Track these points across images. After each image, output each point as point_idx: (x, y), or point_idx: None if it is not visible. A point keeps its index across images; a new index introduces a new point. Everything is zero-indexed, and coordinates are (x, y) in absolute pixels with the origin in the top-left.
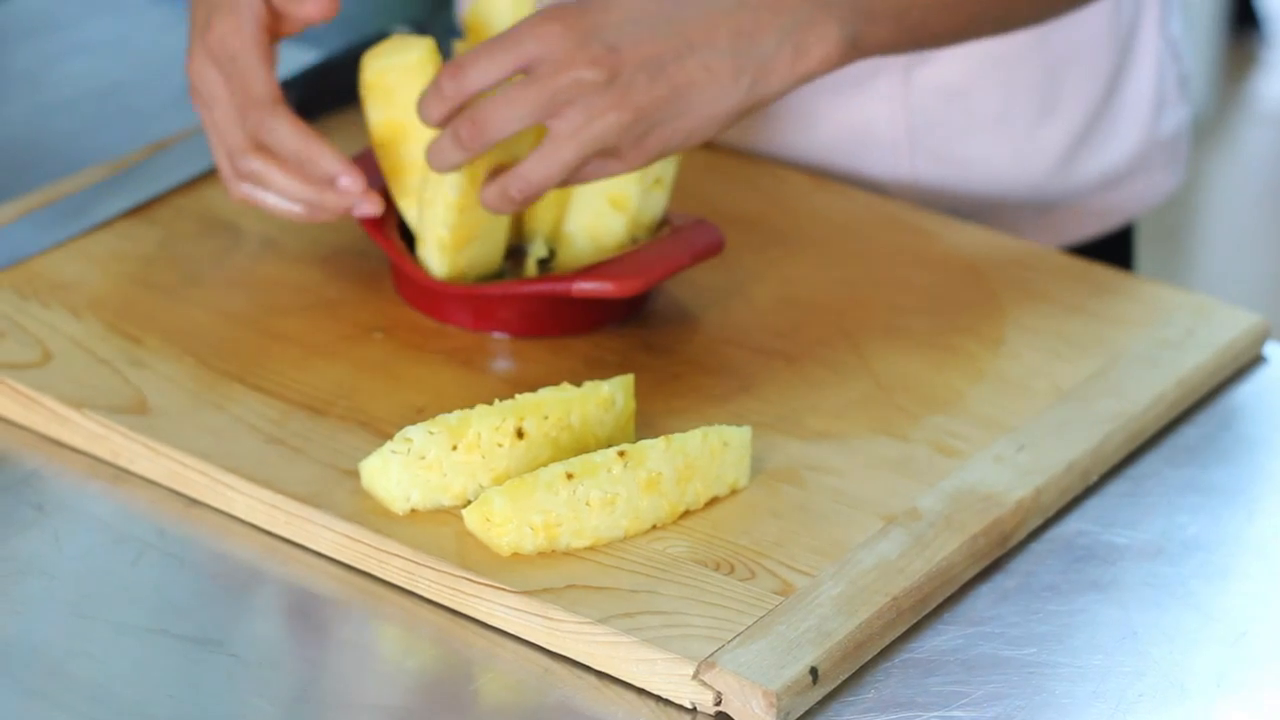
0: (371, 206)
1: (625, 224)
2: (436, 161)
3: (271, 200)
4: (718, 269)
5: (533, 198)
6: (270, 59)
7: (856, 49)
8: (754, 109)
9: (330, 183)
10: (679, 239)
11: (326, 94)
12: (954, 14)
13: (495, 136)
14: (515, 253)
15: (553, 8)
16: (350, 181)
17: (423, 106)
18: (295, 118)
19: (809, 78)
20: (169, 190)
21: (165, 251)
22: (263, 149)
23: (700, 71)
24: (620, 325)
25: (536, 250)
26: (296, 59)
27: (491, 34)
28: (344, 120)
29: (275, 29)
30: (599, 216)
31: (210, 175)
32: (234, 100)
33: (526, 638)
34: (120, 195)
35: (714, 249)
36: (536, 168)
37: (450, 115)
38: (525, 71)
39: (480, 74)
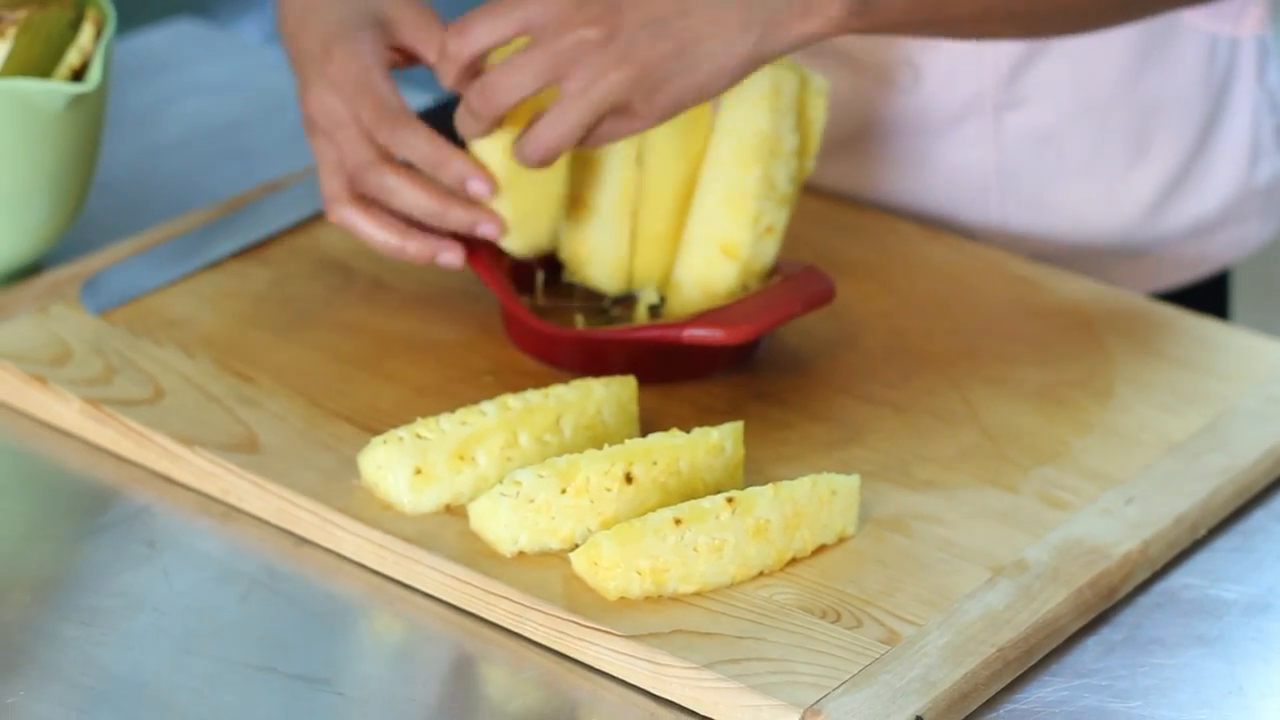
0: (489, 229)
1: (736, 271)
2: (463, 130)
3: (369, 229)
4: (828, 317)
5: (550, 158)
6: (393, 79)
7: (866, 14)
8: (762, 62)
9: (455, 196)
10: (790, 287)
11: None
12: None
13: (505, 102)
14: (626, 299)
15: None
16: (480, 185)
17: (438, 72)
18: (427, 127)
19: (817, 36)
20: (281, 230)
21: (277, 291)
22: (392, 163)
23: (706, 24)
24: (730, 372)
25: (648, 296)
26: (409, 101)
27: None
28: None
29: (391, 59)
30: (710, 263)
31: (322, 216)
32: (361, 120)
33: (632, 682)
34: (232, 235)
35: (825, 297)
36: (549, 128)
37: (461, 76)
38: (528, 34)
39: (483, 33)
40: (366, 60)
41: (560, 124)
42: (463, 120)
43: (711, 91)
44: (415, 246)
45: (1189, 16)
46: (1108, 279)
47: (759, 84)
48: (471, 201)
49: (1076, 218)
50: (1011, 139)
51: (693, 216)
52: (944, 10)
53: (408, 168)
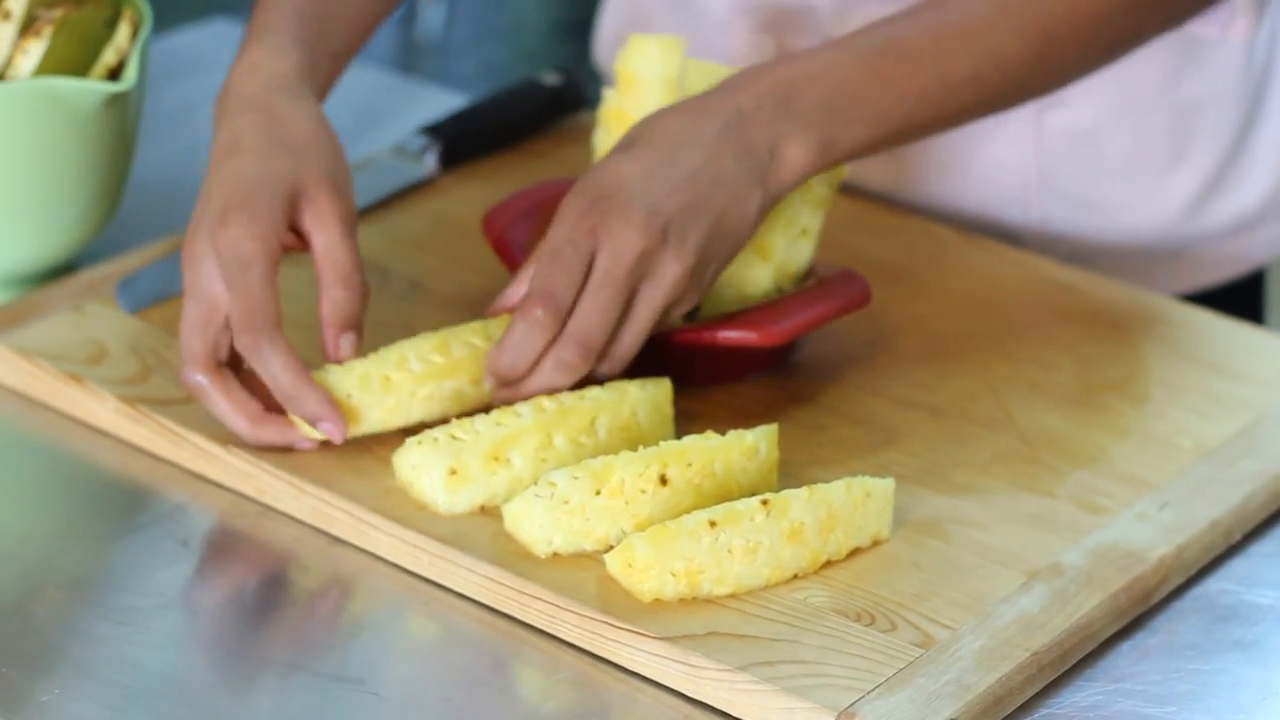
0: (334, 433)
1: (770, 274)
2: (558, 382)
3: (223, 407)
4: (863, 320)
5: (623, 367)
6: (276, 278)
7: (830, 153)
8: (768, 211)
9: (268, 417)
10: (825, 290)
11: (471, 140)
12: (943, 108)
13: (599, 344)
14: None
15: (570, 200)
16: (332, 429)
17: (519, 343)
18: (290, 350)
19: (799, 180)
20: None
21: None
22: (219, 367)
23: (726, 198)
24: (765, 374)
25: None
26: (443, 103)
27: (642, 84)
28: (488, 166)
29: (289, 243)
30: (745, 266)
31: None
32: (232, 309)
33: (666, 683)
34: None
35: (860, 301)
36: (625, 344)
37: (556, 332)
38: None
39: (567, 284)
40: (261, 245)
41: (634, 335)
42: (558, 377)
43: (736, 254)
44: (270, 434)
45: (1226, 30)
46: (1146, 278)
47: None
48: (320, 395)
49: (1116, 217)
50: (1051, 138)
51: None
52: (915, 122)
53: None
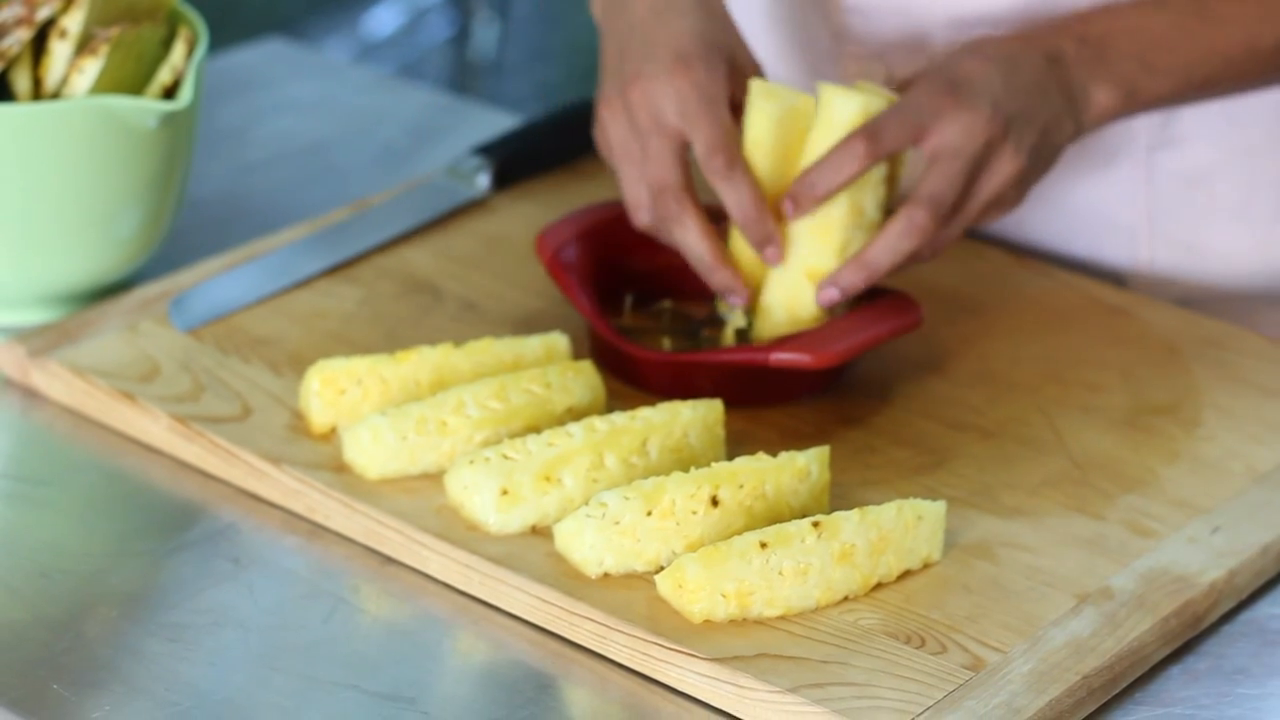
0: (737, 301)
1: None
2: (900, 248)
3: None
4: (914, 342)
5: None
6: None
7: (1132, 101)
8: (1070, 144)
9: (727, 259)
10: (877, 312)
11: (524, 160)
12: (1245, 73)
13: (947, 212)
14: (714, 322)
15: (922, 84)
16: (775, 253)
17: (836, 161)
18: (754, 178)
19: (1104, 122)
20: (369, 250)
21: (365, 310)
22: (691, 196)
23: (1050, 116)
24: (816, 396)
25: (735, 320)
26: (496, 123)
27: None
28: (541, 186)
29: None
30: (797, 289)
31: (411, 236)
32: (692, 137)
33: (716, 704)
34: (321, 254)
35: (912, 324)
36: (951, 232)
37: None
38: (919, 140)
39: (892, 139)
40: (720, 86)
41: (958, 225)
42: (908, 235)
43: (1041, 178)
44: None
45: None
46: (1255, 324)
47: (848, 111)
48: (734, 271)
49: (1225, 262)
50: (1163, 179)
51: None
52: (1211, 84)
53: (701, 207)
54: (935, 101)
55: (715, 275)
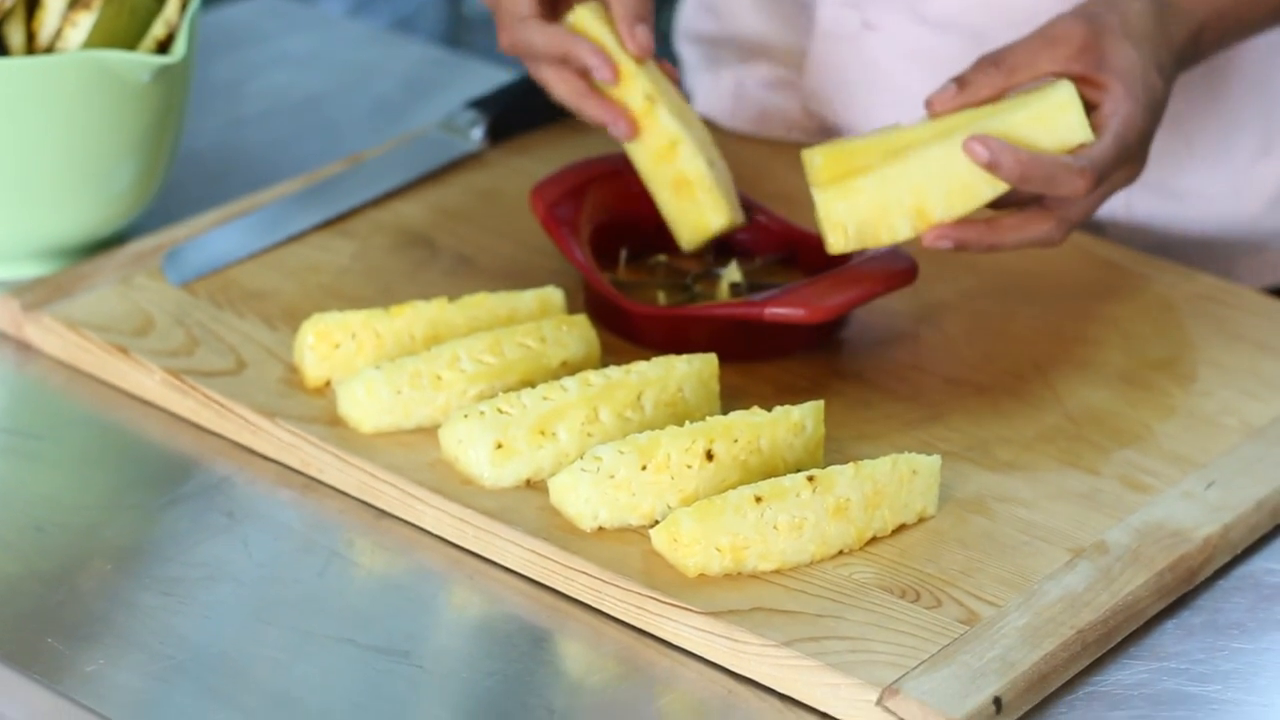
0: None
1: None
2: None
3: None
4: (910, 297)
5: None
6: None
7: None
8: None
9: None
10: (872, 266)
11: (518, 114)
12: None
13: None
14: (708, 276)
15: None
16: (605, 73)
17: (1055, 175)
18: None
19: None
20: (363, 204)
21: (360, 264)
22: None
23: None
24: (811, 351)
25: (730, 274)
26: (491, 77)
27: None
28: (535, 141)
29: None
30: (902, 218)
31: (405, 190)
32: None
33: (710, 658)
34: (316, 208)
35: (907, 278)
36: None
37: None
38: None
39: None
40: None
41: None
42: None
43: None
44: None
45: None
46: (1229, 270)
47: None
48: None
49: (1201, 208)
50: None
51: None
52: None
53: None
54: (1117, 161)
55: (587, 106)
